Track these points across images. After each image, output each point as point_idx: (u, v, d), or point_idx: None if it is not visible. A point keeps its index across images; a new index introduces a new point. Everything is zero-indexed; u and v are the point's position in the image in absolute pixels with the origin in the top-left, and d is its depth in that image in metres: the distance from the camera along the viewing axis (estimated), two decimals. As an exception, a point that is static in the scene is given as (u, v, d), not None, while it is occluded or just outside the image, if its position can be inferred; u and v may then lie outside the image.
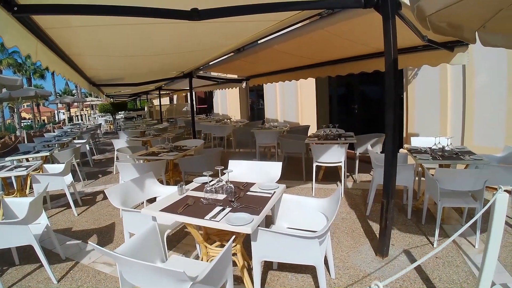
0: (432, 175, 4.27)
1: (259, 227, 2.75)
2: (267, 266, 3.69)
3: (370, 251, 3.98)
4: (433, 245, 4.03)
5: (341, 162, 6.03)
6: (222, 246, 3.27)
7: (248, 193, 3.47)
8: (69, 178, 6.24)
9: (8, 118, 25.39)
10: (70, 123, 26.12)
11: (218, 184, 3.42)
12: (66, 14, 2.89)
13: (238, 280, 3.34)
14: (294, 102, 12.21)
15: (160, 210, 3.08)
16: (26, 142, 12.39)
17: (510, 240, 4.06)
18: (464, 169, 4.90)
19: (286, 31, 4.82)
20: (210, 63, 7.87)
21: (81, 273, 3.84)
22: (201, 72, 9.49)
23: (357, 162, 7.06)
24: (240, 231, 2.62)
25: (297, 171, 7.45)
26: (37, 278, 3.79)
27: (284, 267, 3.62)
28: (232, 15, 2.98)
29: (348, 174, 7.41)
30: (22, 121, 41.72)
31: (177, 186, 3.56)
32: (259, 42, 5.54)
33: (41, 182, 5.65)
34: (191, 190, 3.67)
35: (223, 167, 3.45)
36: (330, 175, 6.98)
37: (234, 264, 3.12)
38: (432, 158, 4.67)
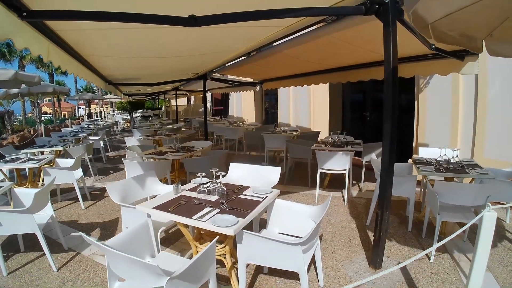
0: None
1: (244, 230, 2.76)
2: (258, 269, 3.70)
3: (364, 262, 3.94)
4: (430, 259, 3.94)
5: (345, 170, 5.97)
6: (213, 246, 3.31)
7: (241, 196, 3.48)
8: (79, 172, 6.44)
9: (30, 112, 26.01)
10: (88, 119, 26.65)
11: (212, 186, 3.46)
12: (72, 20, 3.08)
13: (227, 280, 3.40)
14: (306, 107, 12.20)
15: (153, 208, 3.17)
16: (43, 136, 12.67)
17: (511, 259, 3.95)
18: (466, 183, 4.80)
19: (294, 37, 4.83)
20: (223, 66, 7.94)
21: (80, 263, 4.01)
22: (215, 74, 9.58)
23: (363, 170, 6.97)
24: (223, 233, 2.65)
25: (303, 177, 7.42)
26: (39, 265, 3.98)
27: (274, 271, 3.63)
28: (228, 21, 3.01)
29: (355, 182, 7.34)
30: (43, 115, 42.85)
31: (173, 186, 3.63)
32: (268, 47, 5.56)
33: (51, 175, 5.87)
34: (187, 190, 3.73)
35: (217, 169, 3.48)
36: (336, 182, 6.95)
37: (223, 264, 3.21)
38: (435, 170, 4.56)
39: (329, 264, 3.88)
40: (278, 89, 12.34)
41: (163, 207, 3.19)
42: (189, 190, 3.72)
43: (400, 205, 5.65)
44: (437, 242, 3.97)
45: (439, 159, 5.08)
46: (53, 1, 2.77)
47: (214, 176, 3.48)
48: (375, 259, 3.73)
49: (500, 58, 3.55)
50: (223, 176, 3.56)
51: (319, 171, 6.17)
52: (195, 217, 2.89)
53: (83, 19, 2.96)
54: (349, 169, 6.01)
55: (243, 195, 3.52)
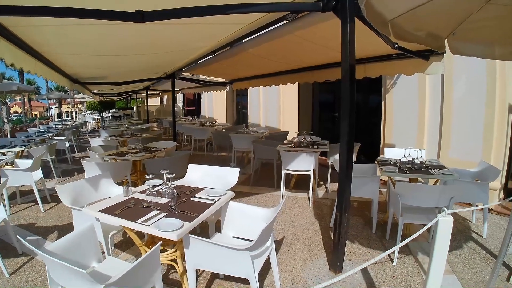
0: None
1: (191, 235, 2.61)
2: (215, 274, 3.55)
3: (325, 265, 3.83)
4: (393, 262, 3.87)
5: (310, 170, 5.88)
6: (165, 250, 3.18)
7: (192, 198, 3.33)
8: (38, 174, 6.23)
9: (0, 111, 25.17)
10: (58, 119, 25.98)
11: (163, 188, 3.30)
12: (13, 15, 2.93)
13: (179, 286, 3.26)
14: (276, 107, 12.12)
15: (99, 211, 3.01)
16: (9, 136, 12.23)
17: (477, 261, 3.91)
18: (428, 184, 4.76)
19: (257, 35, 4.72)
20: (190, 65, 7.79)
21: (33, 269, 3.85)
22: (185, 73, 9.42)
23: (329, 171, 6.91)
24: (166, 237, 2.50)
25: (270, 178, 7.30)
26: None
27: (231, 277, 3.46)
28: (178, 17, 2.85)
29: (322, 182, 7.28)
30: (13, 115, 41.54)
31: (123, 188, 3.46)
32: (233, 45, 5.43)
33: (9, 176, 5.53)
34: (139, 192, 3.57)
35: (168, 170, 3.31)
36: (302, 183, 6.84)
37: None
38: (398, 171, 4.49)
39: (288, 268, 3.76)
40: (248, 89, 12.22)
41: (110, 210, 3.03)
42: (141, 192, 3.55)
43: (366, 205, 5.61)
44: (399, 244, 3.91)
45: (403, 159, 5.03)
46: None
47: (164, 178, 3.31)
48: (335, 263, 3.63)
49: (466, 57, 3.51)
50: (181, 177, 3.41)
51: (283, 172, 6.07)
52: (139, 220, 2.73)
53: (20, 14, 2.78)
54: (314, 169, 5.92)
55: (195, 197, 3.37)
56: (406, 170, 4.52)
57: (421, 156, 5.03)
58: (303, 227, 4.93)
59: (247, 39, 4.92)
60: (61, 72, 7.01)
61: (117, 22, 3.22)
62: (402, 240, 3.89)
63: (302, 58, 6.27)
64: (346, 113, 3.25)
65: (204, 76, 12.39)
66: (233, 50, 5.65)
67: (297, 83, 8.20)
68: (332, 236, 4.52)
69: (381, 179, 4.88)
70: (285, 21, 4.02)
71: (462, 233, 4.67)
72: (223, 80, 11.54)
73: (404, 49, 4.47)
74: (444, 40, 3.32)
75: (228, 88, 11.17)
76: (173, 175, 3.29)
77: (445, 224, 2.08)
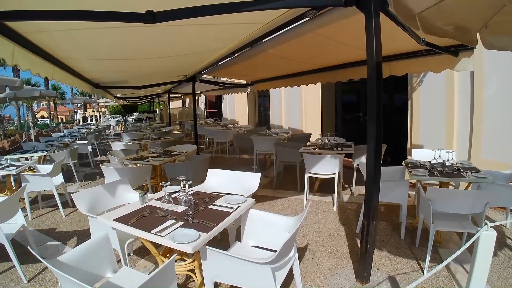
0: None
1: (208, 247, 2.45)
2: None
3: (351, 275, 3.62)
4: (423, 271, 3.63)
5: (334, 174, 5.67)
6: (183, 260, 3.07)
7: (210, 206, 3.18)
8: (59, 179, 6.27)
9: (26, 116, 25.94)
10: (83, 123, 26.49)
11: (180, 195, 3.16)
12: (24, 20, 2.92)
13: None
14: (298, 108, 11.90)
15: (114, 219, 2.92)
16: (33, 141, 12.47)
17: (513, 270, 3.61)
18: (461, 189, 4.49)
19: (276, 35, 4.54)
20: (210, 67, 7.69)
21: (52, 275, 3.82)
22: (205, 76, 9.34)
23: (354, 173, 6.66)
24: (181, 249, 2.38)
25: (293, 181, 7.10)
26: (10, 277, 3.81)
27: None
28: (189, 16, 2.72)
29: (347, 185, 7.03)
30: (40, 119, 42.65)
31: (139, 195, 3.35)
32: (252, 46, 5.27)
33: (29, 181, 5.71)
34: (155, 199, 3.45)
35: (185, 177, 3.18)
36: (327, 186, 6.61)
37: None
38: (429, 174, 4.24)
39: (312, 277, 3.57)
40: (270, 90, 12.07)
41: (124, 219, 2.93)
42: (157, 199, 3.43)
43: (393, 210, 5.36)
44: (432, 252, 3.68)
45: (433, 161, 4.77)
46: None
47: (181, 185, 3.17)
48: (362, 273, 3.41)
49: (497, 52, 3.27)
50: (202, 181, 3.27)
51: (307, 175, 5.87)
52: (154, 231, 2.61)
53: (26, 19, 2.75)
54: (338, 173, 5.70)
55: (213, 205, 3.21)
56: (436, 173, 4.26)
57: (452, 158, 4.74)
58: (327, 233, 4.72)
59: (266, 39, 4.75)
60: (81, 77, 7.03)
61: (130, 25, 3.16)
62: (434, 247, 3.68)
63: (324, 57, 6.06)
64: (373, 115, 3.03)
65: (225, 78, 12.32)
66: (253, 51, 5.48)
67: (319, 83, 7.97)
68: (358, 243, 4.31)
69: (410, 182, 4.62)
70: (306, 19, 3.83)
71: (496, 240, 4.36)
72: (244, 81, 11.42)
73: (432, 45, 4.22)
74: (475, 33, 3.08)
75: (249, 89, 11.05)
76: (190, 182, 3.16)
77: (487, 239, 1.86)
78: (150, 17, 2.65)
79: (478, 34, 3.07)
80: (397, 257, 3.98)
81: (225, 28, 3.99)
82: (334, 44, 4.76)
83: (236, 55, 5.85)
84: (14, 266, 3.80)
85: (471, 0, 2.40)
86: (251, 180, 4.19)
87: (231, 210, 3.03)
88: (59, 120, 37.91)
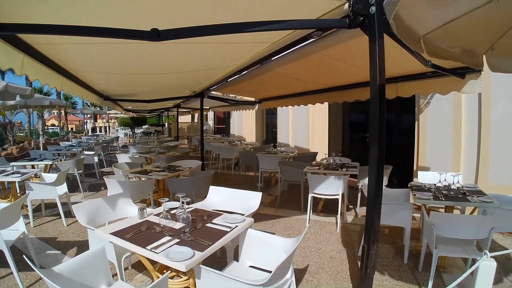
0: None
1: (202, 266, 2.42)
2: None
3: (351, 299, 3.55)
4: (425, 297, 3.55)
5: (338, 195, 5.60)
6: (179, 277, 3.05)
7: (208, 224, 3.16)
8: (63, 188, 6.33)
9: (36, 124, 26.30)
10: (92, 133, 26.76)
11: (178, 212, 3.14)
12: (34, 33, 3.05)
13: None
14: (305, 127, 11.88)
15: (111, 233, 2.93)
16: (41, 149, 12.59)
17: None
18: (465, 214, 4.40)
19: (283, 54, 4.56)
20: (218, 84, 7.75)
21: None
22: (213, 92, 9.42)
23: (359, 194, 6.58)
24: (174, 267, 2.37)
25: (296, 200, 7.02)
26: (8, 283, 3.86)
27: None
28: (193, 36, 2.77)
29: (351, 206, 6.94)
30: (51, 127, 43.06)
31: (138, 209, 3.34)
32: (259, 65, 5.31)
33: (33, 189, 5.76)
34: (154, 215, 3.43)
35: (183, 194, 3.17)
36: (331, 206, 6.53)
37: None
38: (433, 198, 4.17)
39: (311, 301, 3.50)
40: (277, 108, 12.10)
41: (121, 233, 2.94)
42: (156, 215, 3.41)
43: (398, 232, 5.27)
44: (435, 277, 3.59)
45: (439, 184, 4.70)
46: (19, 15, 2.73)
47: (180, 201, 3.16)
48: (361, 298, 3.34)
49: (505, 75, 3.23)
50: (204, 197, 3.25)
51: (310, 195, 5.81)
52: (149, 247, 2.60)
53: (42, 32, 2.81)
54: (342, 194, 5.63)
55: (211, 223, 3.19)
56: (441, 197, 4.19)
57: (457, 181, 4.67)
58: (329, 255, 4.64)
59: (273, 58, 4.78)
60: (90, 89, 7.12)
61: (138, 41, 3.18)
62: (437, 272, 3.59)
63: (330, 77, 6.08)
64: (375, 138, 3.00)
65: (234, 95, 12.40)
66: (260, 69, 5.51)
67: (326, 103, 7.97)
68: (359, 266, 4.23)
69: (414, 204, 4.55)
70: (312, 39, 3.85)
71: (502, 265, 4.26)
72: (252, 99, 11.48)
73: (438, 67, 4.21)
74: (481, 56, 3.06)
75: (256, 107, 11.10)
76: (189, 199, 3.14)
77: (486, 270, 1.79)
78: (155, 35, 2.68)
79: (484, 56, 3.05)
80: (399, 282, 3.90)
81: (232, 47, 4.05)
82: (340, 65, 4.78)
83: (243, 73, 5.90)
84: (12, 273, 3.80)
85: (477, 22, 2.38)
86: (253, 199, 4.16)
87: (228, 230, 3.00)
88: (69, 129, 38.32)
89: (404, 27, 2.41)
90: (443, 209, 4.64)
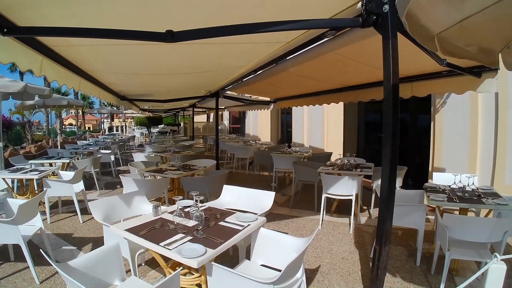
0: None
1: (213, 263, 2.46)
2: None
3: (362, 300, 3.54)
4: (437, 301, 3.51)
5: (352, 195, 5.58)
6: (191, 274, 3.09)
7: (221, 223, 3.20)
8: (80, 186, 6.43)
9: (54, 123, 26.82)
10: (109, 132, 27.14)
11: (191, 210, 3.19)
12: (50, 36, 3.17)
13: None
14: (320, 127, 11.86)
15: (125, 230, 2.99)
16: (59, 147, 12.84)
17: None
18: (479, 216, 4.33)
19: (297, 54, 4.57)
20: (233, 84, 7.79)
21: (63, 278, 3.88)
22: (228, 92, 9.46)
23: (373, 195, 6.53)
24: (186, 264, 2.41)
25: (310, 201, 7.03)
26: (24, 276, 3.97)
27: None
28: (207, 37, 2.80)
29: (365, 207, 6.89)
30: (69, 127, 43.78)
31: (152, 207, 3.41)
32: (273, 65, 5.32)
33: (51, 187, 5.91)
34: (168, 212, 3.49)
35: (197, 192, 3.22)
36: (344, 207, 6.50)
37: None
38: (447, 200, 4.12)
39: (321, 302, 3.50)
40: (292, 108, 12.11)
41: (136, 229, 3.00)
42: (170, 212, 3.47)
43: (411, 234, 5.22)
44: (447, 280, 3.56)
45: (453, 186, 4.65)
46: (37, 18, 2.83)
47: (194, 200, 3.20)
48: (372, 299, 3.32)
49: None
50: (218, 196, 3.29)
51: (324, 195, 5.80)
52: (162, 243, 2.65)
53: (58, 35, 2.93)
54: (356, 194, 5.61)
55: (224, 221, 3.22)
56: (455, 199, 4.14)
57: (472, 183, 4.61)
58: (341, 256, 4.63)
59: (287, 58, 4.79)
60: (107, 89, 7.24)
61: (151, 43, 3.23)
62: (450, 275, 3.54)
63: (345, 77, 6.06)
64: (389, 138, 2.98)
65: (249, 95, 12.43)
66: (275, 69, 5.53)
67: (341, 102, 7.94)
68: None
69: (428, 206, 4.50)
70: (326, 39, 3.85)
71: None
72: (267, 98, 11.50)
73: (454, 66, 4.15)
74: (497, 54, 3.02)
75: (271, 107, 11.12)
76: (202, 197, 3.18)
77: (496, 273, 1.78)
78: (170, 36, 2.73)
79: (500, 55, 3.01)
80: (410, 284, 3.87)
81: (246, 47, 4.07)
82: (355, 64, 4.76)
83: (258, 73, 5.91)
84: (28, 267, 3.90)
85: (492, 19, 2.34)
86: (266, 199, 4.19)
87: (240, 228, 3.03)
88: (86, 129, 38.95)
89: (417, 25, 2.40)
90: (458, 211, 4.58)
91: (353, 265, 4.37)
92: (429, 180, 6.67)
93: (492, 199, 4.11)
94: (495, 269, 1.78)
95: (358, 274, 4.12)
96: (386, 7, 2.70)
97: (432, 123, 7.08)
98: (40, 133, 28.02)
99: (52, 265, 4.00)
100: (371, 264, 4.23)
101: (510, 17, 2.37)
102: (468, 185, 4.53)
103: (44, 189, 5.70)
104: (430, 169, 7.12)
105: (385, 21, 2.80)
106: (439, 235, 3.87)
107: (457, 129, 6.51)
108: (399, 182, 6.56)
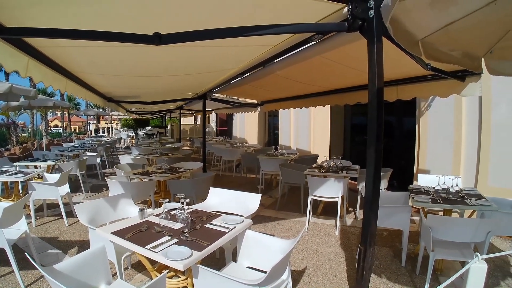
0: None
1: (199, 266, 2.46)
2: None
3: (347, 301, 3.57)
4: (421, 301, 3.57)
5: (337, 197, 5.63)
6: (178, 276, 3.08)
7: (207, 225, 3.20)
8: (65, 188, 6.36)
9: (40, 125, 26.51)
10: (95, 134, 26.89)
11: (177, 213, 3.19)
12: (38, 37, 3.07)
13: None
14: (307, 130, 11.94)
15: (111, 233, 2.99)
16: (44, 149, 12.67)
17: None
18: (462, 217, 4.42)
19: (284, 57, 4.60)
20: (220, 86, 7.79)
21: (48, 283, 3.82)
22: (215, 94, 9.45)
23: (359, 197, 6.59)
24: (172, 266, 2.42)
25: (297, 203, 7.05)
26: (9, 281, 3.91)
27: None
28: (194, 39, 2.83)
29: (351, 209, 6.96)
30: (54, 128, 43.23)
31: (138, 210, 3.40)
32: (260, 68, 5.34)
33: (36, 189, 5.83)
34: (154, 215, 3.48)
35: (183, 195, 3.22)
36: (330, 209, 6.54)
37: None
38: (431, 201, 4.20)
39: (308, 303, 3.53)
40: (279, 110, 12.17)
41: (122, 232, 2.99)
42: (156, 215, 3.46)
43: (397, 235, 5.29)
44: (432, 280, 3.62)
45: (438, 187, 4.73)
46: (24, 19, 2.80)
47: (180, 202, 3.21)
48: (358, 299, 3.36)
49: (505, 78, 3.25)
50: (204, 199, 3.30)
51: (310, 197, 5.84)
52: (148, 246, 2.65)
53: (46, 36, 2.87)
54: (342, 196, 5.66)
55: (210, 224, 3.23)
56: (440, 200, 4.23)
57: (456, 184, 4.70)
58: (327, 257, 4.67)
59: (274, 61, 4.82)
60: (94, 91, 7.16)
61: (139, 45, 3.23)
62: (434, 275, 3.60)
63: (331, 80, 6.11)
64: (373, 141, 3.02)
65: (236, 97, 12.45)
66: (262, 72, 5.55)
67: (328, 105, 8.01)
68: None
69: (413, 207, 4.57)
70: (312, 43, 3.89)
71: (500, 269, 4.30)
72: (254, 101, 11.53)
73: (438, 70, 4.23)
74: (480, 59, 3.08)
75: (258, 109, 11.14)
76: (188, 200, 3.19)
77: (477, 272, 1.82)
78: (157, 39, 2.74)
79: (483, 59, 3.07)
80: (395, 284, 3.93)
81: (234, 50, 4.08)
82: (341, 68, 4.81)
83: (245, 75, 5.93)
84: (13, 271, 3.84)
85: (476, 25, 2.39)
86: (252, 201, 4.20)
87: (226, 230, 3.04)
88: (72, 130, 38.52)
89: (402, 30, 2.44)
90: (442, 212, 4.66)
91: (339, 266, 4.41)
92: (414, 182, 6.77)
93: (476, 200, 4.20)
94: (476, 268, 1.82)
95: (344, 275, 4.15)
96: (372, 12, 2.75)
97: (417, 126, 7.19)
98: (25, 134, 27.69)
99: (37, 269, 3.97)
100: (356, 265, 4.28)
101: (493, 23, 2.43)
102: (452, 186, 4.62)
103: (29, 191, 5.64)
104: (415, 171, 7.22)
105: (370, 26, 2.84)
106: (424, 236, 3.93)
107: (442, 131, 6.62)
108: (384, 184, 6.63)
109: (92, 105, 36.63)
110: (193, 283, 2.79)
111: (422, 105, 6.98)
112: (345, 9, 2.86)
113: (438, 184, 4.77)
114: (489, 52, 2.94)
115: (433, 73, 4.32)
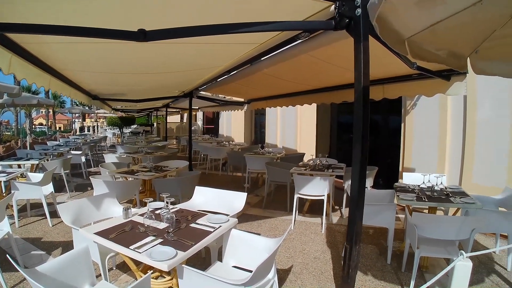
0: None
1: (184, 266, 2.43)
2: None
3: (334, 299, 3.58)
4: (407, 296, 3.59)
5: (323, 195, 5.64)
6: (163, 277, 3.05)
7: (192, 225, 3.17)
8: (49, 188, 6.27)
9: (24, 123, 26.11)
10: (80, 133, 26.58)
11: (162, 212, 3.15)
12: (22, 33, 3.04)
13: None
14: (293, 128, 11.94)
15: (94, 233, 2.94)
16: (28, 148, 12.47)
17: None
18: (446, 215, 4.47)
19: (271, 55, 4.58)
20: (207, 84, 7.74)
21: None
22: (202, 92, 9.40)
23: (345, 195, 6.62)
24: (156, 267, 2.39)
25: (283, 201, 7.05)
26: None
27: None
28: (179, 36, 2.77)
29: (337, 207, 6.99)
30: (38, 126, 42.61)
31: (122, 209, 3.34)
32: (248, 65, 5.31)
33: (19, 189, 5.71)
34: (139, 215, 3.43)
35: (168, 194, 3.18)
36: (317, 207, 6.58)
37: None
38: (416, 199, 4.23)
39: (293, 302, 3.52)
40: (266, 109, 12.15)
41: (105, 233, 2.94)
42: (141, 215, 3.41)
43: (382, 233, 5.32)
44: (417, 277, 3.65)
45: (423, 186, 4.76)
46: (7, 14, 2.73)
47: (164, 201, 3.17)
48: (344, 298, 3.36)
49: (490, 77, 3.28)
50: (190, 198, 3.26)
51: (296, 196, 5.84)
52: (132, 246, 2.61)
53: (30, 32, 2.83)
54: (328, 194, 5.67)
55: (195, 223, 3.20)
56: (424, 198, 4.26)
57: (441, 182, 4.74)
58: (313, 255, 4.67)
59: (261, 59, 4.80)
60: (79, 88, 7.04)
61: (124, 41, 3.17)
62: (420, 272, 3.63)
63: (318, 78, 6.12)
64: (359, 139, 3.03)
65: (223, 96, 12.40)
66: (248, 70, 5.53)
67: (315, 104, 8.02)
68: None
69: (398, 205, 4.60)
70: (299, 41, 3.88)
71: (484, 265, 4.35)
72: (241, 99, 11.50)
73: (424, 69, 4.25)
74: (466, 59, 3.11)
75: (245, 107, 11.11)
76: (173, 199, 3.16)
77: (462, 270, 1.83)
78: (142, 35, 2.68)
79: (468, 59, 3.10)
80: (381, 282, 3.95)
81: (221, 48, 4.04)
82: (327, 66, 4.81)
83: (232, 73, 5.90)
84: (-5, 274, 3.79)
85: (462, 24, 2.41)
86: (238, 200, 4.18)
87: (212, 230, 3.01)
88: (57, 129, 37.96)
89: (388, 29, 2.43)
90: (427, 210, 4.70)
91: (325, 264, 4.42)
92: (399, 180, 6.82)
93: (460, 198, 4.25)
94: (461, 266, 1.83)
95: (330, 273, 4.16)
96: (359, 10, 2.75)
97: (402, 125, 7.25)
98: (9, 133, 27.21)
99: (20, 272, 3.94)
100: (342, 263, 4.30)
101: (479, 23, 2.45)
102: (436, 184, 4.66)
103: (12, 191, 5.51)
104: (400, 169, 7.28)
105: (357, 25, 2.84)
106: (409, 234, 3.96)
107: (427, 130, 6.69)
108: (370, 182, 6.67)
109: (77, 103, 36.18)
110: (178, 283, 2.77)
111: (408, 104, 7.04)
112: (332, 7, 2.85)
113: (423, 182, 4.79)
114: (475, 52, 2.96)
115: (419, 72, 4.34)
